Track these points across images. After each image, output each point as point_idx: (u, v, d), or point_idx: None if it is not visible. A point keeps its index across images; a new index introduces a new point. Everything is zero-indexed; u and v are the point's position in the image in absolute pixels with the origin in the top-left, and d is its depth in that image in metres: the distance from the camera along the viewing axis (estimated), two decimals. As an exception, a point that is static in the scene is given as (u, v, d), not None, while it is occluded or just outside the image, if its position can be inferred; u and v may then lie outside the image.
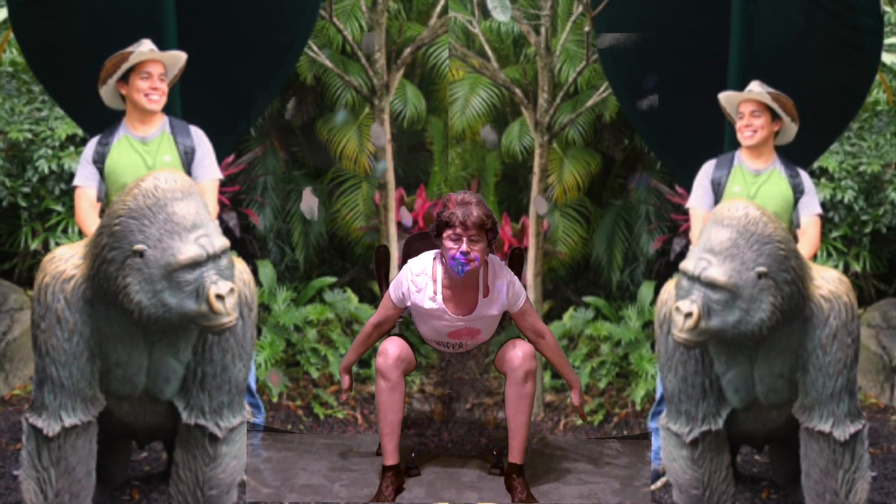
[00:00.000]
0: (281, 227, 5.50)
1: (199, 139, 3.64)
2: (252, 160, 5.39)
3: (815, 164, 5.29)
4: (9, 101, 5.47)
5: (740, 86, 3.75)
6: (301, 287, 5.35)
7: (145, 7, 3.99)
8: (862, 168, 5.46)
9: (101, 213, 3.48)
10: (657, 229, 5.40)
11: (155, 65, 3.53)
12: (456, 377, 4.84)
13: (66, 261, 3.00)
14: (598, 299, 5.34)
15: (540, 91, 5.14)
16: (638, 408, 4.84)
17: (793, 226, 3.63)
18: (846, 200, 5.39)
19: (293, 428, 4.65)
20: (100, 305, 2.96)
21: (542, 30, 5.14)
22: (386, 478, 3.37)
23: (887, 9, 5.48)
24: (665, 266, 5.18)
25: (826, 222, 5.37)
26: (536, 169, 5.15)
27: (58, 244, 5.11)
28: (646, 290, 5.26)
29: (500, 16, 5.07)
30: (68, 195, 5.20)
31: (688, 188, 3.78)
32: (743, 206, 3.01)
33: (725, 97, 3.71)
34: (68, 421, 3.01)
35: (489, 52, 5.31)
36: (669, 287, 3.25)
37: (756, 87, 3.61)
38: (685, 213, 4.09)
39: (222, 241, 2.88)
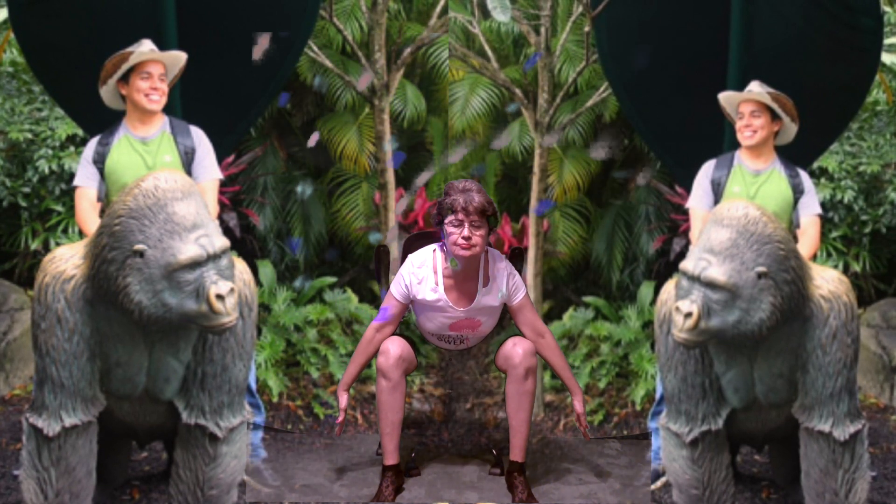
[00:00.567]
0: (281, 227, 5.50)
1: (200, 139, 3.64)
2: (252, 160, 5.39)
3: (815, 164, 5.29)
4: (9, 101, 5.47)
5: (740, 86, 3.75)
6: (301, 287, 5.35)
7: (145, 7, 3.99)
8: (862, 168, 5.46)
9: (102, 213, 3.48)
10: (657, 229, 5.40)
11: (155, 65, 3.54)
12: (456, 377, 4.84)
13: (67, 261, 3.00)
14: (597, 299, 5.34)
15: (540, 91, 5.14)
16: (638, 408, 4.84)
17: (792, 226, 3.63)
18: (846, 200, 5.39)
19: (293, 428, 4.65)
20: (100, 305, 2.97)
21: (542, 30, 5.14)
22: (386, 477, 3.38)
23: (887, 9, 5.48)
24: (665, 266, 5.19)
25: (826, 222, 5.38)
26: (536, 169, 5.15)
27: (58, 244, 5.11)
28: (646, 290, 5.26)
29: (500, 16, 5.07)
30: (68, 195, 5.20)
31: (688, 188, 3.78)
32: (743, 206, 3.01)
33: (725, 97, 3.71)
34: (68, 421, 3.01)
35: (489, 52, 5.31)
36: (669, 287, 3.25)
37: (756, 88, 3.61)
38: (685, 213, 4.09)
39: (222, 241, 2.88)
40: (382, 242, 5.05)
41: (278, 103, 5.30)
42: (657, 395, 3.83)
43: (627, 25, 4.40)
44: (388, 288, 3.47)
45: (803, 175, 3.66)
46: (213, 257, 2.83)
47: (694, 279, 2.96)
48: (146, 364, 3.07)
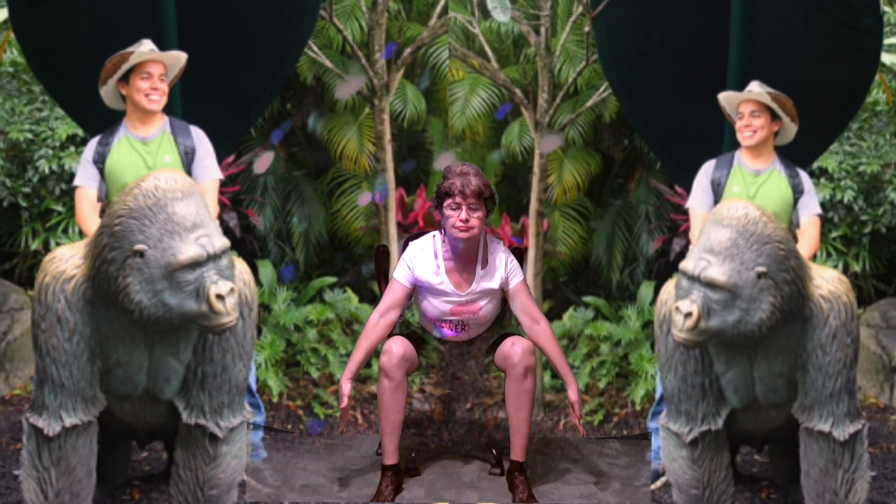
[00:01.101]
0: (281, 227, 5.51)
1: (200, 139, 3.64)
2: (252, 160, 5.40)
3: (815, 165, 5.29)
4: (9, 101, 5.47)
5: (740, 86, 3.75)
6: (301, 287, 5.36)
7: (146, 7, 3.99)
8: (861, 168, 5.47)
9: (102, 213, 3.48)
10: (657, 229, 5.40)
11: (155, 65, 3.54)
12: (456, 377, 4.85)
13: (67, 261, 3.00)
14: (597, 299, 5.35)
15: (540, 91, 5.14)
16: (638, 408, 4.84)
17: (792, 226, 3.64)
18: (846, 200, 5.40)
19: (293, 428, 4.66)
20: (100, 305, 2.97)
21: (542, 30, 5.15)
22: (385, 477, 3.38)
23: (886, 9, 5.48)
24: (665, 266, 5.19)
25: (825, 222, 5.38)
26: (536, 169, 5.15)
27: (58, 244, 5.11)
28: (645, 290, 5.26)
29: (500, 16, 5.08)
30: (69, 195, 5.20)
31: (687, 188, 3.78)
32: (742, 206, 3.01)
33: (725, 97, 3.71)
34: (69, 421, 3.01)
35: (489, 53, 5.31)
36: (669, 287, 3.25)
37: (755, 88, 3.61)
38: (685, 213, 4.09)
39: (223, 241, 2.88)
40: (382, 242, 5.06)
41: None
42: (657, 395, 3.83)
43: (627, 25, 4.40)
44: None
45: (803, 175, 3.66)
46: (213, 257, 2.83)
47: (694, 279, 2.96)
48: (146, 364, 3.07)
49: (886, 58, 5.42)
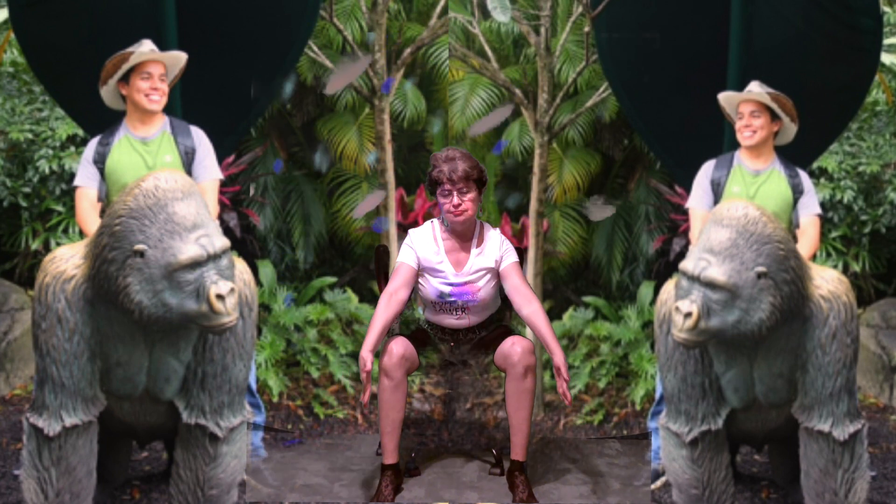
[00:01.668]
0: (281, 227, 5.51)
1: (200, 139, 3.64)
2: (252, 160, 5.40)
3: (815, 165, 5.29)
4: (10, 101, 5.47)
5: (740, 86, 3.75)
6: (301, 287, 5.36)
7: (146, 7, 4.00)
8: (861, 168, 5.47)
9: (102, 213, 3.48)
10: (657, 229, 5.41)
11: (155, 65, 3.54)
12: (456, 377, 4.85)
13: (67, 261, 3.00)
14: (597, 299, 5.35)
15: (540, 91, 5.14)
16: (638, 408, 4.84)
17: (792, 226, 3.64)
18: (845, 200, 5.40)
19: (293, 428, 4.66)
20: (100, 305, 2.97)
21: (542, 30, 5.15)
22: (385, 477, 3.38)
23: (886, 9, 5.49)
24: (665, 266, 5.19)
25: (825, 222, 5.38)
26: (536, 169, 5.15)
27: (58, 244, 5.11)
28: (645, 290, 5.26)
29: (500, 16, 5.08)
30: (69, 195, 5.20)
31: (687, 188, 3.78)
32: (742, 206, 3.01)
33: (725, 97, 3.72)
34: (69, 420, 3.01)
35: (489, 53, 5.31)
36: (669, 287, 3.25)
37: (755, 88, 3.61)
38: (685, 213, 4.09)
39: (223, 241, 2.88)
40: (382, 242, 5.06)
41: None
42: (657, 395, 3.83)
43: (627, 25, 4.40)
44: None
45: (803, 175, 3.66)
46: (213, 257, 2.83)
47: (694, 279, 2.96)
48: (146, 364, 3.07)
49: (886, 58, 5.42)
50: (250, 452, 3.64)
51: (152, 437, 3.50)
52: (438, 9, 5.24)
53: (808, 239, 3.59)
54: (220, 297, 2.79)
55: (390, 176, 5.19)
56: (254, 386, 3.82)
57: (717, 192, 3.65)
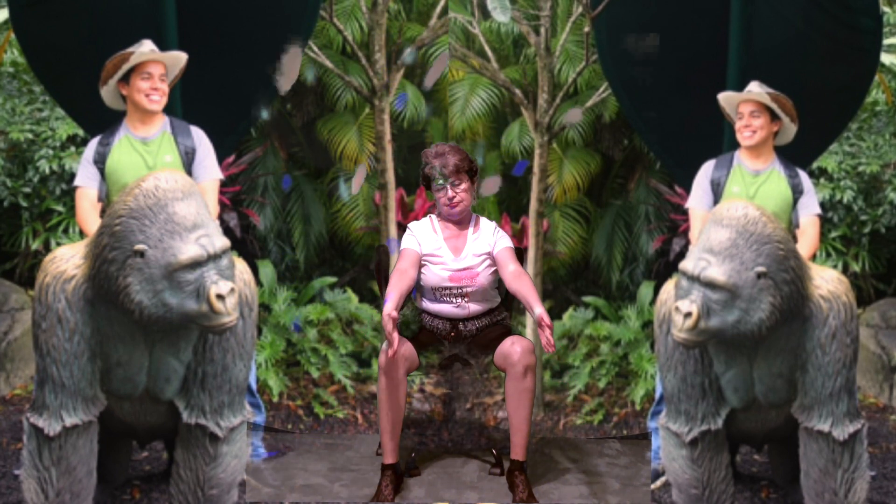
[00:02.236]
0: (281, 227, 5.51)
1: (200, 139, 3.64)
2: (252, 160, 5.40)
3: (815, 165, 5.29)
4: (10, 101, 5.47)
5: (739, 86, 3.75)
6: (301, 287, 5.36)
7: (146, 8, 4.00)
8: (861, 168, 5.47)
9: (102, 213, 3.48)
10: (657, 229, 5.41)
11: (156, 65, 3.54)
12: (456, 377, 4.85)
13: (67, 261, 3.01)
14: (597, 299, 5.35)
15: (540, 91, 5.14)
16: (638, 408, 4.84)
17: (792, 226, 3.64)
18: (845, 200, 5.40)
19: (293, 428, 4.66)
20: (101, 305, 2.97)
21: (542, 30, 5.15)
22: (385, 476, 3.38)
23: (886, 9, 5.48)
24: (664, 266, 5.19)
25: (825, 222, 5.38)
26: (536, 169, 5.15)
27: (59, 244, 5.11)
28: (645, 290, 5.26)
29: (500, 16, 5.08)
30: (69, 195, 5.21)
31: (687, 188, 3.78)
32: (742, 206, 3.02)
33: (724, 97, 3.72)
34: (69, 420, 3.02)
35: (489, 53, 5.31)
36: (669, 287, 3.26)
37: (755, 88, 3.61)
38: (685, 213, 4.10)
39: (223, 241, 2.88)
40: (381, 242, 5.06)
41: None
42: (657, 395, 3.83)
43: (627, 25, 4.41)
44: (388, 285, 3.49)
45: (803, 175, 3.67)
46: (213, 257, 2.83)
47: (693, 279, 2.96)
48: (147, 364, 3.07)
49: (886, 58, 5.42)
50: (250, 452, 3.64)
51: (152, 437, 3.50)
52: (438, 9, 5.24)
53: (807, 239, 3.59)
54: (220, 297, 2.80)
55: (390, 176, 5.19)
56: (254, 386, 3.83)
57: (717, 192, 3.65)
